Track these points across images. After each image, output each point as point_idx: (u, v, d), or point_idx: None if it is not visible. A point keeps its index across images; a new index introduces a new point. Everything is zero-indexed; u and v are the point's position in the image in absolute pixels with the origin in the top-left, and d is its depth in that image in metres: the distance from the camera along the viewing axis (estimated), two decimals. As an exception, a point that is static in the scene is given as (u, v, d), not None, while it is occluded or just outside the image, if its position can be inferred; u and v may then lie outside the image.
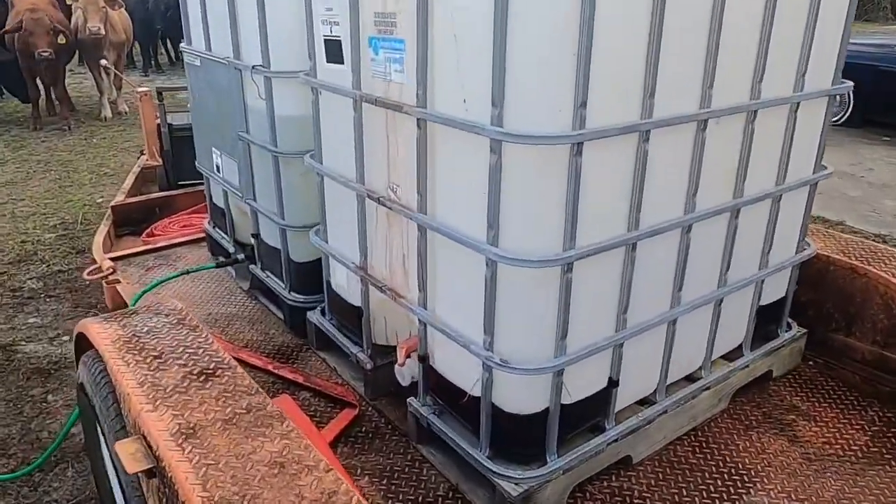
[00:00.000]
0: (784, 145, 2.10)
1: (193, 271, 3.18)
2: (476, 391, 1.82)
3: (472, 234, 1.69)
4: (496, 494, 1.82)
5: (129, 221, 4.09)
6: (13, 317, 4.12)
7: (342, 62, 2.06)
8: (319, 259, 2.72)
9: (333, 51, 2.08)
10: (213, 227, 3.48)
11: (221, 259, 3.26)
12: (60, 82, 8.78)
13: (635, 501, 1.98)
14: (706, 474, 2.08)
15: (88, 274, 3.34)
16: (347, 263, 2.28)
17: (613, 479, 2.05)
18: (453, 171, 1.73)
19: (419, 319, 1.98)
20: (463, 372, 1.87)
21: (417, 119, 1.76)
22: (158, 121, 4.76)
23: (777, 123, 2.05)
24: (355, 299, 2.34)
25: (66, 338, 3.88)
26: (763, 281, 2.29)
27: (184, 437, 1.55)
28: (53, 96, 9.16)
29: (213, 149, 3.11)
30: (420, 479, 2.05)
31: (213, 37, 2.88)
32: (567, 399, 1.80)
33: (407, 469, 2.07)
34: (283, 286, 2.82)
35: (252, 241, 3.10)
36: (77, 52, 9.24)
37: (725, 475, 2.08)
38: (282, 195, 2.65)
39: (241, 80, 2.70)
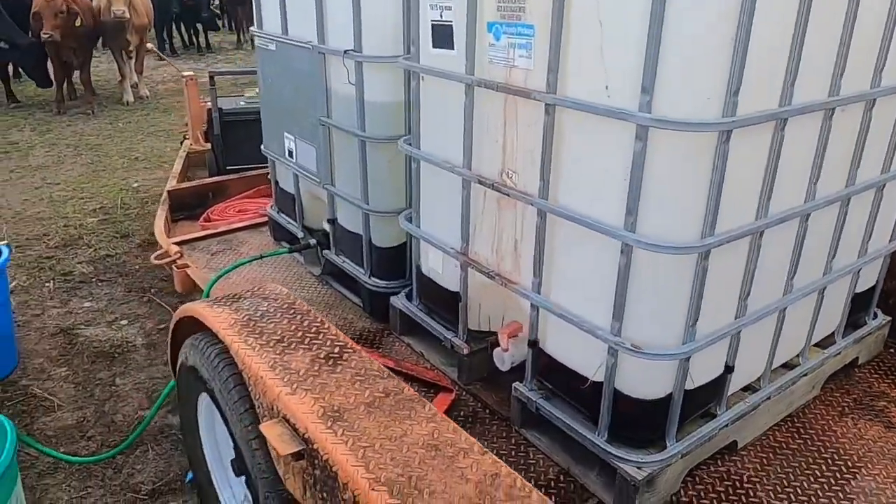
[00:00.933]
0: (893, 134, 2.11)
1: (268, 256, 3.19)
2: (598, 376, 1.84)
3: (603, 220, 1.70)
4: (617, 478, 1.84)
5: (184, 206, 4.09)
6: (68, 300, 4.13)
7: (451, 47, 2.05)
8: (402, 245, 2.75)
9: (442, 36, 2.08)
10: (278, 212, 3.48)
11: (286, 245, 3.27)
12: (87, 66, 8.74)
13: (744, 486, 2.00)
14: (809, 460, 2.10)
15: (156, 259, 3.35)
16: (446, 248, 2.29)
17: (720, 463, 2.07)
18: (584, 156, 1.73)
19: (531, 304, 1.99)
20: (582, 357, 1.89)
21: (546, 105, 1.76)
22: (204, 105, 4.76)
23: (888, 112, 2.06)
24: (451, 284, 2.35)
25: (124, 322, 3.90)
26: (860, 269, 2.30)
27: (332, 419, 1.57)
28: (78, 80, 9.11)
29: (286, 134, 3.10)
30: (528, 462, 2.07)
31: (292, 21, 2.87)
32: (689, 385, 1.82)
33: (513, 453, 2.09)
34: (364, 271, 2.83)
35: (326, 226, 3.11)
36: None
37: (829, 461, 2.10)
38: (367, 180, 2.65)
39: (325, 64, 2.70)
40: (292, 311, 2.06)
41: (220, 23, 15.68)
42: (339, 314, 2.91)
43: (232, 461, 2.16)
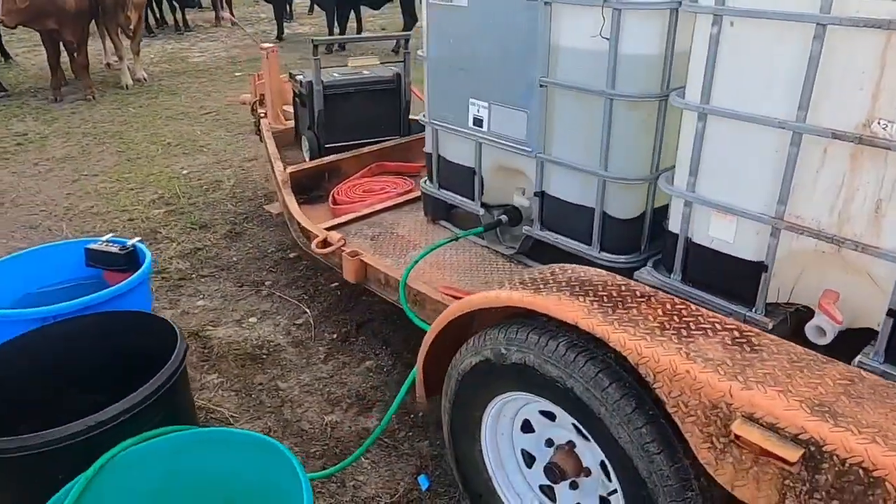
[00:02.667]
0: None
1: (462, 236, 2.90)
2: None
3: None
4: None
5: (301, 189, 3.74)
6: (176, 301, 3.75)
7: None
8: (640, 216, 2.51)
9: (775, -29, 1.83)
10: (439, 188, 3.19)
11: (445, 225, 2.99)
12: (84, 49, 8.04)
13: None
14: None
15: (318, 247, 3.02)
16: (750, 213, 2.07)
17: None
18: None
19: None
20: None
21: (971, 40, 1.55)
22: (291, 79, 4.35)
23: None
24: (748, 253, 2.13)
25: (253, 319, 3.56)
26: None
27: (827, 414, 1.35)
28: (73, 64, 8.37)
29: (473, 100, 2.80)
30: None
31: (495, -29, 2.57)
32: None
33: None
34: (591, 247, 2.59)
35: (521, 201, 2.85)
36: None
37: None
38: (608, 145, 2.40)
39: (548, 18, 2.41)
40: (634, 291, 1.81)
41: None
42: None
43: (548, 467, 1.92)
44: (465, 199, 3.08)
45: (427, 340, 2.20)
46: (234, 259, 4.19)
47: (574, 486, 1.99)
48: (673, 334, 1.62)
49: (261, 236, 4.48)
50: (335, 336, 3.39)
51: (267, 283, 3.91)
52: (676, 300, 1.77)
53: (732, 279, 2.21)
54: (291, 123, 4.62)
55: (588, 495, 1.95)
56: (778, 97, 1.93)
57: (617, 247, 2.55)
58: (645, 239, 2.56)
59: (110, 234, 3.11)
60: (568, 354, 1.73)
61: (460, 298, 2.57)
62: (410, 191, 3.65)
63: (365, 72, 4.25)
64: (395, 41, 9.69)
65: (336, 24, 10.43)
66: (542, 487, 2.10)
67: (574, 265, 1.99)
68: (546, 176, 2.67)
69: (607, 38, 2.26)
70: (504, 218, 2.89)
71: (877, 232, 1.85)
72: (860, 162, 1.83)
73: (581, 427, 1.78)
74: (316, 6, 12.91)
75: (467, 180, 3.03)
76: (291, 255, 4.20)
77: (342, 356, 3.24)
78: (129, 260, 2.99)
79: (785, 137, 1.95)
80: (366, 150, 3.99)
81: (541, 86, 2.51)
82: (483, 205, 3.00)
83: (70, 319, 2.49)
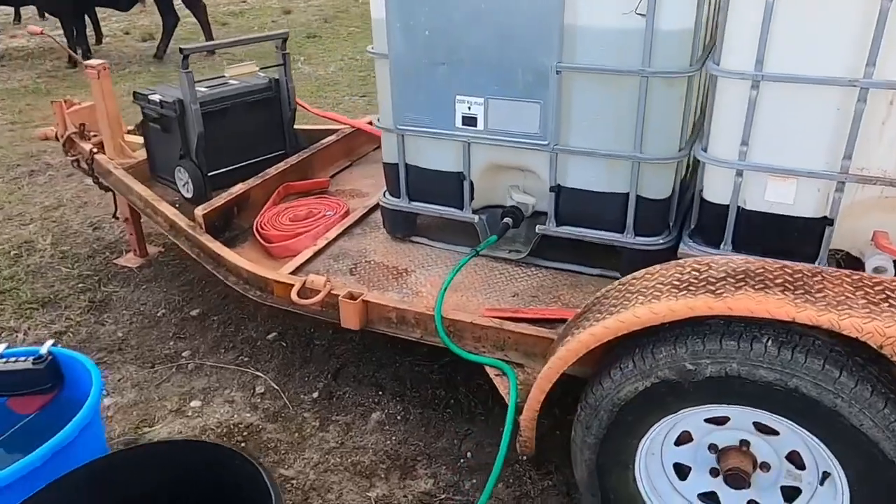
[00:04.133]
0: None
1: (483, 248, 2.57)
2: None
3: None
4: None
5: (215, 229, 3.05)
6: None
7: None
8: (669, 197, 2.46)
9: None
10: (409, 202, 2.81)
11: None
12: None
13: None
14: None
15: (298, 297, 2.49)
16: (815, 172, 2.12)
17: None
18: None
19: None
20: None
21: None
22: (138, 101, 3.51)
23: None
24: (809, 211, 2.19)
25: (195, 403, 2.86)
26: None
27: None
28: None
29: (461, 98, 2.48)
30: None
31: (482, -51, 2.27)
32: None
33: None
34: (625, 233, 2.48)
35: (527, 200, 2.64)
36: None
37: None
38: (644, 126, 2.29)
39: (562, -3, 2.20)
40: (800, 271, 1.73)
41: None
42: (581, 293, 2.52)
43: (731, 473, 1.80)
44: (448, 209, 2.76)
45: (544, 383, 1.92)
46: (120, 335, 3.31)
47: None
48: (889, 307, 1.58)
49: (136, 298, 3.60)
50: (316, 395, 2.86)
51: (184, 353, 3.15)
52: (846, 272, 1.74)
53: (792, 239, 2.27)
54: (140, 155, 3.75)
55: (764, 490, 1.87)
56: (840, 55, 1.98)
57: (651, 229, 2.48)
58: (673, 216, 2.53)
59: (3, 346, 2.22)
60: (783, 353, 1.60)
61: (510, 319, 2.34)
62: (347, 211, 3.19)
63: (233, 82, 3.59)
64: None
65: (74, 30, 8.78)
66: (701, 496, 1.97)
67: (689, 260, 1.86)
68: (562, 168, 2.49)
69: (643, 15, 2.13)
70: (509, 221, 2.65)
71: (946, 172, 2.01)
72: (929, 109, 1.97)
73: (800, 425, 1.67)
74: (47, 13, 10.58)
75: (451, 187, 2.71)
76: (194, 313, 3.45)
77: (339, 416, 2.74)
78: (50, 374, 2.17)
79: (847, 94, 2.02)
80: (272, 172, 3.39)
81: (557, 72, 2.30)
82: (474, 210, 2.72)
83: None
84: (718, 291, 1.68)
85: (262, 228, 3.06)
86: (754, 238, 2.33)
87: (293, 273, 2.68)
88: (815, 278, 1.71)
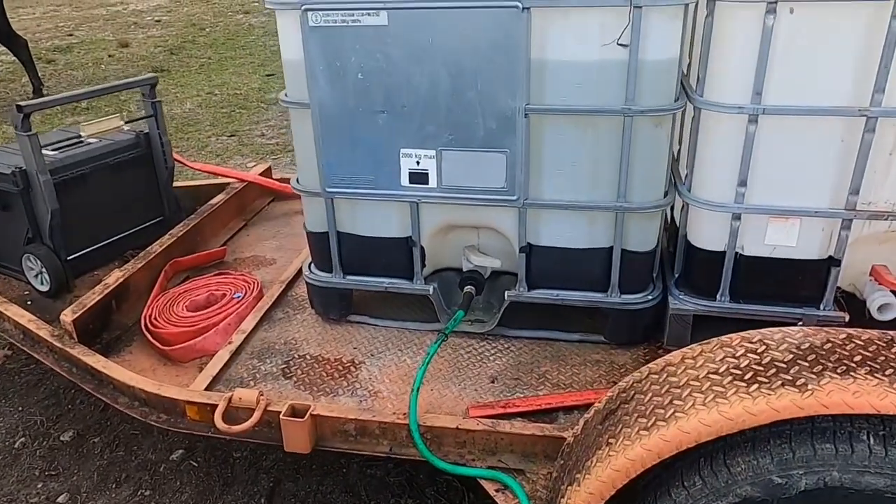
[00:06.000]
0: None
1: (451, 329, 2.12)
2: None
3: None
4: None
5: (90, 335, 2.37)
6: None
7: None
8: (654, 248, 2.16)
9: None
10: (344, 276, 2.32)
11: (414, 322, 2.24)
12: None
13: None
14: None
15: (225, 423, 1.92)
16: (820, 211, 1.91)
17: None
18: None
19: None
20: None
21: None
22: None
23: None
24: (814, 252, 1.98)
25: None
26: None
27: None
28: None
29: (406, 151, 2.04)
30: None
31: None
32: None
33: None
34: (608, 293, 2.15)
35: (484, 263, 2.24)
36: None
37: None
38: (628, 171, 1.98)
39: (528, 28, 1.84)
40: (878, 341, 1.47)
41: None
42: (572, 365, 2.17)
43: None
44: (396, 281, 2.30)
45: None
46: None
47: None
48: None
49: (-20, 426, 2.78)
50: (254, 529, 2.27)
51: (60, 498, 2.42)
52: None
53: (796, 283, 2.06)
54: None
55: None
56: (843, 84, 1.79)
57: (637, 285, 2.18)
58: (656, 267, 2.25)
59: None
60: (891, 453, 1.32)
61: (501, 417, 1.93)
62: (260, 289, 2.62)
63: (92, 141, 2.90)
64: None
65: None
66: None
67: (733, 335, 1.56)
68: (533, 225, 2.12)
69: (626, 45, 1.82)
70: (472, 289, 2.24)
71: (965, 201, 1.87)
72: (939, 136, 1.82)
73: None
74: None
75: (397, 256, 2.26)
76: (66, 437, 2.70)
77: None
78: None
79: (852, 125, 1.83)
80: (156, 248, 2.74)
81: (525, 116, 1.94)
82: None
83: None
84: (799, 383, 1.37)
85: (154, 325, 2.42)
86: (754, 285, 2.09)
87: (210, 387, 2.09)
88: (894, 350, 1.45)
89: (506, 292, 2.23)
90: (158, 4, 14.18)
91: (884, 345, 1.46)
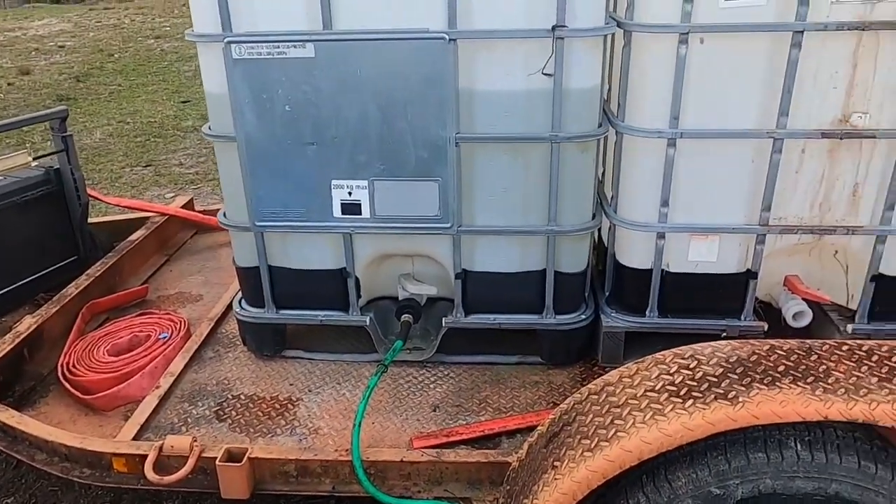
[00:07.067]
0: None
1: (390, 362, 2.08)
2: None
3: None
4: None
5: (1, 388, 2.20)
6: None
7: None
8: (585, 269, 2.22)
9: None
10: (277, 311, 2.26)
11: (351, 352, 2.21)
12: None
13: None
14: None
15: (156, 473, 1.83)
16: (737, 227, 2.01)
17: None
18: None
19: (877, 239, 1.99)
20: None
21: (932, 31, 1.75)
22: None
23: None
24: (733, 266, 2.09)
25: None
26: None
27: None
28: None
29: (338, 182, 2.02)
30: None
31: (352, 6, 1.85)
32: None
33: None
34: (543, 314, 2.19)
35: (420, 291, 2.24)
36: None
37: None
38: (557, 195, 2.03)
39: (455, 59, 1.87)
40: (792, 351, 1.55)
41: None
42: (507, 390, 2.19)
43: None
44: (331, 313, 2.26)
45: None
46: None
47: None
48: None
49: None
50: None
51: None
52: (834, 343, 1.59)
53: (718, 296, 2.16)
54: None
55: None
56: (752, 107, 1.91)
57: (570, 306, 2.23)
58: (588, 287, 2.30)
59: None
60: (817, 457, 1.39)
61: (445, 446, 1.92)
62: (188, 328, 2.52)
63: (-5, 177, 2.73)
64: None
65: None
66: None
67: (666, 352, 1.61)
68: (468, 252, 2.14)
69: (550, 74, 1.87)
70: (409, 318, 2.23)
71: (856, 212, 2.01)
72: (838, 154, 1.95)
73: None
74: None
75: (332, 287, 2.22)
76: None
77: None
78: None
79: (761, 146, 1.95)
80: (71, 291, 2.58)
81: (456, 144, 1.96)
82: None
83: None
84: (731, 396, 1.43)
85: (73, 373, 2.28)
86: (680, 300, 2.18)
87: (138, 436, 1.99)
88: (812, 358, 1.54)
89: (443, 319, 2.23)
90: (62, 29, 13.60)
91: (803, 353, 1.55)
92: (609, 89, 2.24)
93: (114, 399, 2.19)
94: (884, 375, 1.47)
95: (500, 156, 2.00)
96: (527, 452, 1.68)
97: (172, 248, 3.29)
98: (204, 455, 1.86)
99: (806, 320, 2.13)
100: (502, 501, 1.74)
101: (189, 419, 2.09)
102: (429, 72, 1.88)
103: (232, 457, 1.86)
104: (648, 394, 1.52)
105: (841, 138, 1.90)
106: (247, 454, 1.86)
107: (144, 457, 1.86)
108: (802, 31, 1.79)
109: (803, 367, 1.50)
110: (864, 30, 1.79)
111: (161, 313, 2.63)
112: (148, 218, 3.30)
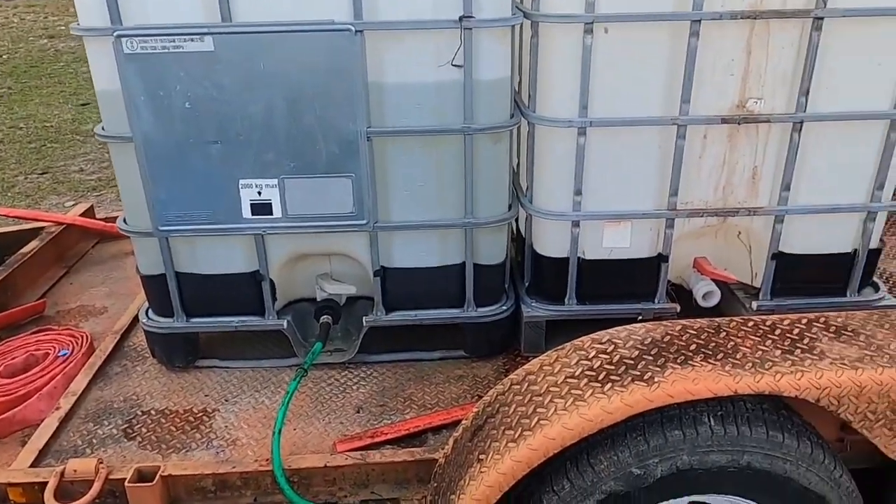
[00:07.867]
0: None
1: (309, 364, 2.01)
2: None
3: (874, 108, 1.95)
4: None
5: None
6: None
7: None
8: (504, 261, 2.22)
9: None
10: (187, 319, 2.15)
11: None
12: None
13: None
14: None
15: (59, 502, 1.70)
16: (647, 213, 2.06)
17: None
18: (857, 57, 1.90)
19: (775, 219, 2.08)
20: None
21: (815, 19, 1.84)
22: None
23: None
24: (646, 251, 2.14)
25: None
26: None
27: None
28: None
29: (245, 181, 1.93)
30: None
31: (252, -4, 1.78)
32: None
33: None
34: (465, 308, 2.17)
35: (337, 291, 2.19)
36: None
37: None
38: (473, 187, 2.01)
39: (362, 52, 1.82)
40: (703, 329, 1.60)
41: None
42: (437, 383, 2.17)
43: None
44: (246, 318, 2.17)
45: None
46: None
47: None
48: (808, 354, 1.52)
49: None
50: None
51: None
52: (738, 320, 1.65)
53: (633, 281, 2.21)
54: None
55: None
56: (656, 96, 1.96)
57: (490, 298, 2.23)
58: (507, 278, 2.31)
59: None
60: (729, 431, 1.44)
61: (370, 447, 1.88)
62: (91, 343, 2.36)
63: None
64: None
65: None
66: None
67: (584, 338, 1.64)
68: (385, 248, 2.10)
69: (460, 66, 1.86)
70: (328, 319, 2.17)
71: (756, 194, 2.11)
72: (737, 139, 2.03)
73: (749, 497, 1.52)
74: None
75: (245, 291, 2.13)
76: None
77: None
78: None
79: (666, 133, 2.00)
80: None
81: (367, 139, 1.91)
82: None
83: None
84: (647, 377, 1.46)
85: (-37, 400, 2.09)
86: (597, 286, 2.22)
87: (37, 462, 1.84)
88: (721, 335, 1.60)
89: (363, 318, 2.19)
90: (-59, 29, 12.55)
91: (713, 332, 1.60)
92: (520, 80, 2.25)
93: (9, 424, 2.02)
94: (786, 348, 1.54)
95: (414, 149, 1.98)
96: (452, 448, 1.67)
97: (72, 260, 3.08)
98: (112, 477, 1.74)
99: (715, 300, 2.22)
100: (430, 499, 1.72)
101: (94, 440, 1.95)
102: (335, 65, 1.83)
103: (142, 476, 1.75)
104: (569, 380, 1.54)
105: (739, 123, 1.99)
106: (159, 472, 1.75)
107: (44, 484, 1.72)
108: (700, 21, 1.85)
109: (713, 344, 1.56)
110: (755, 18, 1.87)
111: (60, 329, 2.45)
112: (42, 228, 3.08)
